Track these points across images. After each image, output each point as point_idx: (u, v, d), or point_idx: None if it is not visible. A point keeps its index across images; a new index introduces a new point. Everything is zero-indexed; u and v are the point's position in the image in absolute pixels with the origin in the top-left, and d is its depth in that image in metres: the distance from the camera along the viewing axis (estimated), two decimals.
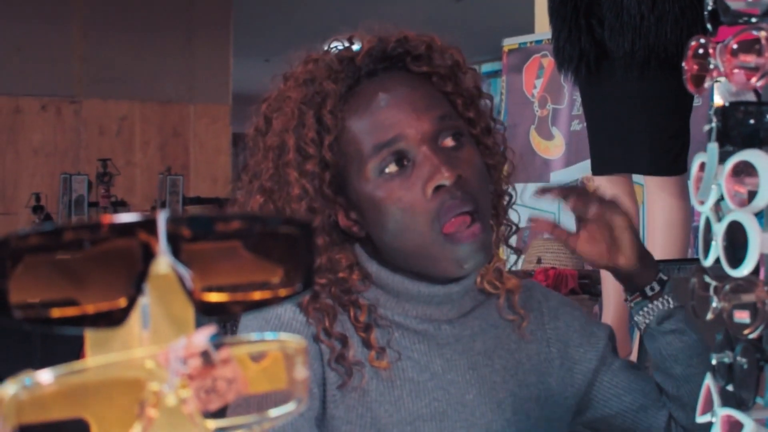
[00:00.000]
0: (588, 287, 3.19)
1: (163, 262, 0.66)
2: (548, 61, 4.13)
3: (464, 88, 1.65)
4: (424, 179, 1.52)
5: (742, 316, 1.16)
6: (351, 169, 1.57)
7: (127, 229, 0.65)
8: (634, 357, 2.59)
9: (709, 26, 1.27)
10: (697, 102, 2.83)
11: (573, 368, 1.71)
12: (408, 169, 1.54)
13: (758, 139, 1.19)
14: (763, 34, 1.16)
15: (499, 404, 1.63)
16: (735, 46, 1.19)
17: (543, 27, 4.14)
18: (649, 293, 1.67)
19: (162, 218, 0.66)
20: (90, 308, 0.65)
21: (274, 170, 1.57)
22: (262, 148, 1.60)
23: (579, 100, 3.49)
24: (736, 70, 1.20)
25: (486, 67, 15.32)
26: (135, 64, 10.40)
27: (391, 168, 1.54)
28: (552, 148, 4.18)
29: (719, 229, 1.19)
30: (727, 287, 1.18)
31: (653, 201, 2.72)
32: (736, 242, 1.17)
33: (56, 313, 0.64)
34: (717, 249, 1.20)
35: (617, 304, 2.84)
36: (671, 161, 2.68)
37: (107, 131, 10.56)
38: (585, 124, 2.94)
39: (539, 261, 3.41)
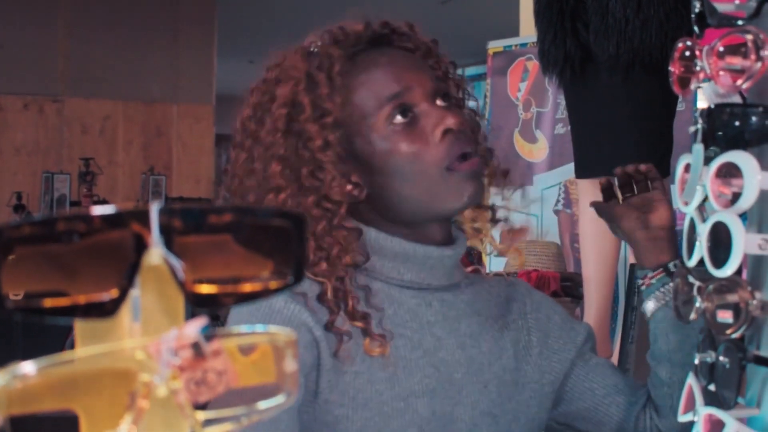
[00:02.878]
0: (570, 290, 3.20)
1: (156, 254, 0.66)
2: (533, 65, 4.14)
3: (443, 64, 1.77)
4: (432, 125, 1.62)
5: (725, 316, 1.17)
6: (357, 126, 1.65)
7: (119, 220, 0.65)
8: (615, 359, 2.60)
9: (695, 28, 1.28)
10: (680, 107, 2.84)
11: (551, 357, 1.76)
12: (414, 120, 1.63)
13: (743, 140, 1.20)
14: (749, 37, 1.17)
15: (485, 385, 1.67)
16: (721, 49, 1.20)
17: (528, 30, 4.14)
18: (673, 269, 1.70)
19: (155, 210, 0.66)
20: (82, 299, 0.65)
21: (287, 136, 1.63)
22: (271, 120, 1.65)
23: (563, 103, 3.50)
24: (722, 73, 1.21)
25: (470, 71, 15.34)
26: (118, 63, 10.37)
27: (399, 119, 1.63)
28: (536, 151, 4.18)
29: (703, 230, 1.20)
30: (711, 287, 1.19)
31: None
32: (720, 243, 1.17)
33: (48, 303, 0.64)
34: (701, 249, 1.21)
35: (599, 306, 2.85)
36: (655, 165, 2.68)
37: (90, 130, 10.52)
38: (569, 128, 2.94)
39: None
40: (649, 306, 1.73)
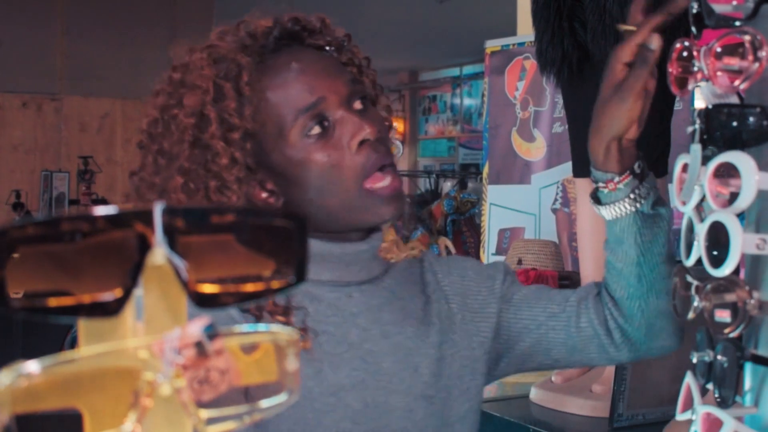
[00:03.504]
0: (568, 288, 3.19)
1: (159, 254, 0.66)
2: (530, 64, 4.14)
3: (356, 59, 1.73)
4: (349, 135, 1.59)
5: (723, 316, 1.18)
6: (271, 137, 1.62)
7: (123, 220, 0.66)
8: None
9: (693, 29, 1.29)
10: (677, 106, 2.84)
11: (474, 318, 1.76)
12: (329, 129, 1.60)
13: (740, 141, 1.20)
14: (746, 37, 1.17)
15: (416, 368, 1.67)
16: (719, 50, 1.21)
17: (525, 29, 4.15)
18: (638, 170, 1.70)
19: (158, 210, 0.66)
20: (86, 298, 0.65)
21: (192, 148, 1.59)
22: (177, 130, 1.60)
23: (561, 102, 3.50)
24: (719, 73, 1.21)
25: (468, 69, 15.36)
26: (116, 61, 10.37)
27: (315, 130, 1.60)
28: (533, 150, 4.19)
29: (701, 230, 1.21)
30: (709, 287, 1.19)
31: None
32: (718, 242, 1.18)
33: (53, 302, 0.65)
34: (699, 249, 1.21)
35: None
36: (652, 164, 2.68)
37: (88, 128, 10.52)
38: (566, 127, 2.94)
39: (520, 262, 3.41)
40: (616, 210, 1.72)
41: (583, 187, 2.86)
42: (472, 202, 5.93)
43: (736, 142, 1.20)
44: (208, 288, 0.69)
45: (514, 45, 4.28)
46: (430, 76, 16.63)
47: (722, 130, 1.21)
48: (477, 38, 5.66)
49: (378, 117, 1.67)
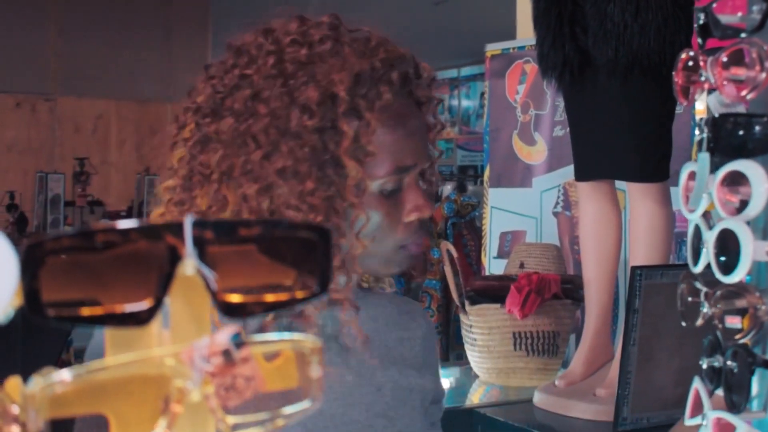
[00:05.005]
0: (570, 292, 3.21)
1: (190, 265, 0.68)
2: (531, 67, 4.14)
3: (433, 104, 1.74)
4: (410, 208, 1.61)
5: (734, 322, 1.19)
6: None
7: (154, 232, 0.67)
8: (616, 363, 2.62)
9: (699, 40, 1.30)
10: (679, 110, 2.85)
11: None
12: (397, 191, 1.61)
13: (747, 149, 1.22)
14: (753, 48, 1.19)
15: (379, 388, 1.68)
16: (725, 60, 1.22)
17: (525, 33, 4.15)
18: None
19: (188, 222, 0.68)
20: (118, 308, 0.67)
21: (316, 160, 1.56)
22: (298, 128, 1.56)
23: (562, 105, 3.51)
24: (726, 83, 1.23)
25: (465, 71, 15.36)
26: (111, 61, 10.36)
27: (389, 187, 1.60)
28: (534, 153, 4.19)
29: (710, 237, 1.22)
30: (718, 293, 1.20)
31: (636, 207, 2.73)
32: (727, 249, 1.19)
33: (86, 312, 0.66)
34: (707, 256, 1.22)
35: (600, 308, 2.86)
36: (654, 168, 2.69)
37: (82, 129, 10.51)
38: (567, 130, 2.95)
39: (522, 266, 3.42)
40: None
41: (584, 191, 2.88)
42: (473, 205, 5.92)
43: (742, 151, 1.22)
44: (236, 298, 0.70)
45: (514, 49, 4.29)
46: None
47: (729, 139, 1.23)
48: (475, 40, 5.67)
49: (430, 193, 1.68)
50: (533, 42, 2.88)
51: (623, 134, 2.67)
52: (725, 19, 1.26)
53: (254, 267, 0.72)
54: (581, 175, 2.85)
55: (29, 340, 4.14)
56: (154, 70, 10.49)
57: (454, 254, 3.27)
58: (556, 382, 2.86)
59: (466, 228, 5.88)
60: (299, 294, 0.74)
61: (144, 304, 0.68)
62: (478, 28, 9.53)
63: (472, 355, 3.32)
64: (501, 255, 4.22)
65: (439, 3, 10.45)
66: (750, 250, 1.16)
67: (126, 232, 0.67)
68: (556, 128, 4.07)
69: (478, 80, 13.67)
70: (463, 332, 3.33)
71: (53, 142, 10.43)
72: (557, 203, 4.07)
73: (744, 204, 1.18)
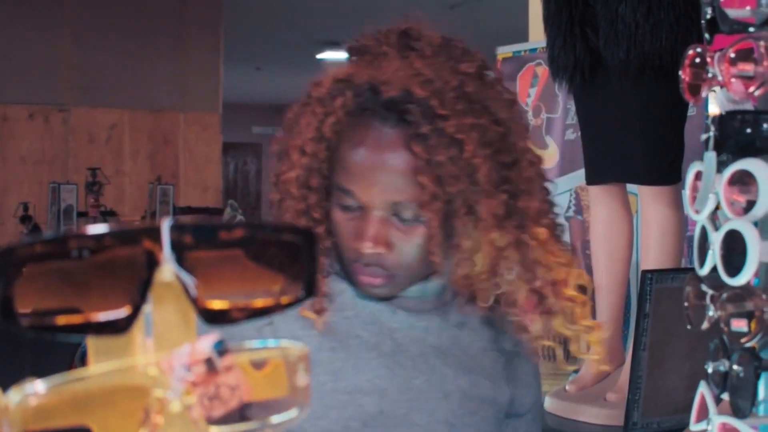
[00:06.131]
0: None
1: (168, 270, 0.66)
2: (542, 70, 4.12)
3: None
4: (356, 235, 1.57)
5: (740, 325, 1.17)
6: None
7: (131, 237, 0.65)
8: (627, 368, 2.60)
9: (706, 35, 1.28)
10: (691, 111, 2.83)
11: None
12: (358, 210, 1.57)
13: (754, 147, 1.19)
14: (761, 43, 1.16)
15: (446, 395, 1.65)
16: (733, 55, 1.19)
17: (537, 35, 4.13)
18: None
19: (166, 226, 0.66)
20: (95, 316, 0.65)
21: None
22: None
23: (573, 109, 3.48)
24: (734, 79, 1.20)
25: None
26: (124, 71, 10.37)
27: (342, 202, 1.58)
28: (546, 157, 4.17)
29: (716, 238, 1.20)
30: (725, 296, 1.18)
31: (647, 211, 2.71)
32: (734, 251, 1.17)
33: (61, 320, 0.65)
34: (714, 257, 1.20)
35: (611, 313, 2.85)
36: (666, 171, 2.67)
37: (96, 139, 10.52)
38: (579, 134, 2.93)
39: None
40: None
41: (596, 194, 2.86)
42: None
43: (749, 149, 1.19)
44: (218, 304, 0.69)
45: (525, 51, 4.27)
46: None
47: (736, 137, 1.21)
48: (488, 43, 5.64)
49: (411, 237, 1.57)
50: (545, 44, 2.86)
51: (634, 137, 2.65)
52: (733, 13, 1.23)
53: (237, 271, 0.70)
54: (592, 179, 2.83)
55: (39, 350, 4.14)
56: (167, 80, 10.49)
57: None
58: (567, 387, 2.85)
59: None
60: (284, 299, 0.72)
61: (122, 312, 0.66)
62: (491, 32, 9.52)
63: None
64: None
65: (454, 6, 10.44)
66: (757, 251, 1.14)
67: (102, 238, 0.65)
68: (567, 132, 4.05)
69: None
70: None
71: (67, 153, 10.45)
72: (569, 207, 4.05)
73: (751, 204, 1.16)
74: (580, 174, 3.05)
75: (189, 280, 0.67)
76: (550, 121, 4.13)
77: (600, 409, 2.69)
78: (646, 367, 2.43)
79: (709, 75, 1.24)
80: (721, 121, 1.22)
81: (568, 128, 4.04)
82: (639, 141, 2.64)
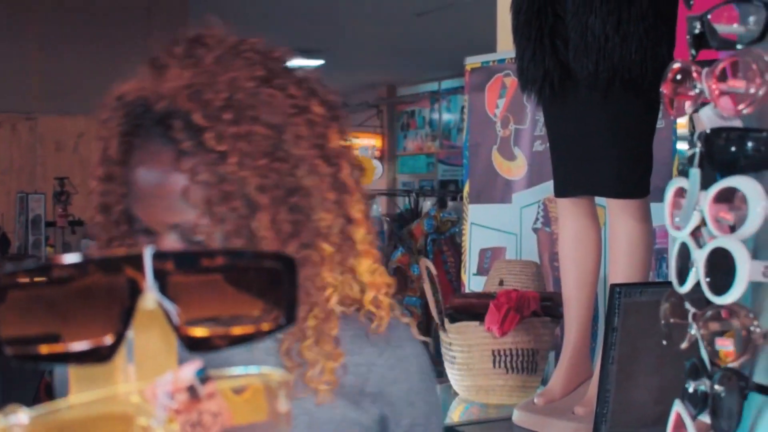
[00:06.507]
0: (550, 310, 3.20)
1: (151, 299, 0.66)
2: (511, 81, 4.13)
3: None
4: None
5: (725, 344, 1.16)
6: None
7: (113, 265, 0.66)
8: (595, 381, 2.61)
9: (692, 50, 1.27)
10: (660, 124, 2.84)
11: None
12: (154, 235, 1.45)
13: (740, 165, 1.19)
14: (751, 60, 1.16)
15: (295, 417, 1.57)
16: (722, 72, 1.19)
17: (505, 46, 4.13)
18: None
19: (148, 254, 0.66)
20: (78, 345, 0.65)
21: None
22: None
23: (542, 120, 3.50)
24: (722, 96, 1.20)
25: (446, 84, 15.39)
26: (92, 79, 10.31)
27: (141, 228, 1.47)
28: (514, 168, 4.18)
29: (700, 256, 1.19)
30: (709, 314, 1.18)
31: (616, 224, 2.72)
32: (719, 269, 1.17)
33: (45, 349, 0.65)
34: (697, 275, 1.20)
35: (579, 326, 2.85)
36: (635, 184, 2.68)
37: (64, 148, 10.49)
38: (547, 145, 2.94)
39: (501, 283, 3.41)
40: None
41: (564, 207, 2.86)
42: (453, 221, 5.93)
43: (735, 167, 1.19)
44: (199, 332, 0.69)
45: (494, 62, 4.27)
46: (408, 91, 16.64)
47: (722, 154, 1.20)
48: (455, 53, 5.65)
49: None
50: (514, 55, 2.86)
51: (603, 149, 2.65)
52: (722, 29, 1.23)
53: (218, 298, 0.71)
54: (561, 192, 2.84)
55: (5, 380, 4.11)
56: None
57: (433, 272, 3.26)
58: (535, 400, 2.85)
59: (446, 244, 5.89)
60: (265, 326, 0.72)
61: (105, 340, 0.66)
62: (458, 41, 9.53)
63: (452, 373, 3.31)
64: (480, 272, 4.20)
65: (421, 14, 10.45)
66: (746, 269, 1.14)
67: (85, 266, 0.65)
68: (536, 143, 4.06)
69: (459, 93, 13.69)
70: (443, 350, 3.33)
71: (34, 162, 10.41)
72: (537, 219, 4.06)
73: (740, 221, 1.16)
74: (549, 185, 3.06)
75: (171, 307, 0.67)
76: (519, 132, 4.14)
77: (568, 422, 2.69)
78: (615, 380, 2.43)
79: (696, 91, 1.24)
80: (708, 137, 1.22)
81: (536, 139, 4.05)
82: (608, 154, 2.65)
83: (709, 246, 1.19)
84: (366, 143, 15.74)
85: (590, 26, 2.57)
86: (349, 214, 1.51)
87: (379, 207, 7.22)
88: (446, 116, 15.71)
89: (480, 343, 3.19)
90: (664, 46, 2.50)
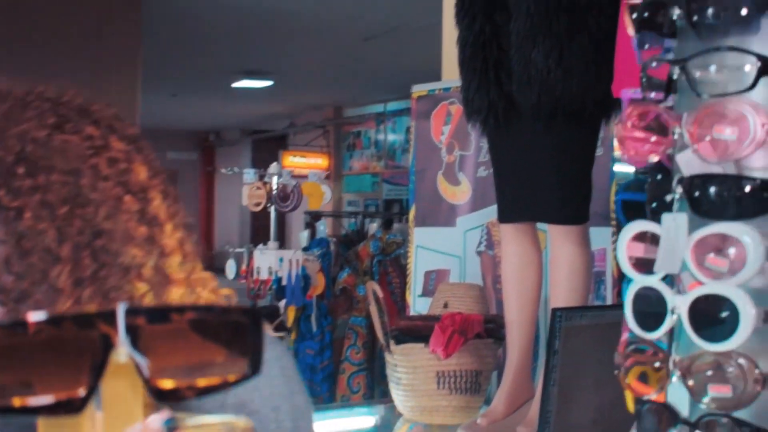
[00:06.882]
0: (493, 331, 3.23)
1: (123, 353, 0.69)
2: (456, 108, 4.16)
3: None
4: None
5: (722, 390, 1.14)
6: None
7: (87, 321, 0.68)
8: (537, 401, 2.64)
9: (664, 93, 1.26)
10: (598, 152, 2.89)
11: None
12: None
13: (729, 212, 1.19)
14: (740, 107, 1.15)
15: None
16: (707, 118, 1.18)
17: (450, 74, 4.17)
18: None
19: (121, 311, 0.69)
20: (50, 398, 0.67)
21: None
22: None
23: (486, 147, 3.54)
24: (705, 141, 1.19)
25: (392, 106, 15.41)
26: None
27: None
28: (459, 193, 4.21)
29: (683, 302, 1.17)
30: (701, 361, 1.15)
31: (557, 249, 2.77)
32: (709, 315, 1.15)
33: (17, 402, 0.67)
34: (681, 321, 1.17)
35: (521, 348, 2.89)
36: (576, 210, 2.73)
37: None
38: (491, 171, 2.98)
39: (446, 305, 3.44)
40: None
41: (507, 231, 2.90)
42: (398, 243, 5.95)
43: (720, 213, 1.19)
44: (168, 384, 0.71)
45: (439, 90, 4.31)
46: (354, 112, 16.67)
47: (710, 200, 1.19)
48: (401, 76, 5.69)
49: None
50: (459, 83, 2.90)
51: (546, 178, 2.70)
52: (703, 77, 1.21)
53: (187, 351, 0.73)
54: (504, 217, 2.88)
55: None
56: None
57: (380, 294, 3.28)
58: (479, 420, 2.88)
59: (391, 266, 5.90)
60: (231, 377, 0.75)
61: (77, 393, 0.68)
62: (404, 65, 9.57)
63: (397, 394, 3.33)
64: (425, 293, 4.23)
65: (369, 39, 10.48)
66: (751, 316, 1.12)
67: (59, 321, 0.67)
68: (480, 169, 4.09)
69: (405, 115, 13.71)
70: (388, 371, 3.35)
71: None
72: (480, 242, 4.10)
73: (738, 266, 1.14)
74: (492, 210, 3.10)
75: (142, 361, 0.69)
76: (463, 158, 4.18)
77: None
78: (556, 401, 2.47)
79: (675, 136, 1.22)
80: (690, 183, 1.21)
81: (480, 165, 4.09)
82: (551, 182, 2.70)
83: (697, 292, 1.17)
84: (315, 169, 15.79)
85: (533, 60, 2.62)
86: (163, 246, 1.42)
87: (326, 228, 7.22)
88: (391, 137, 15.73)
89: (425, 365, 3.22)
90: (604, 79, 2.56)
